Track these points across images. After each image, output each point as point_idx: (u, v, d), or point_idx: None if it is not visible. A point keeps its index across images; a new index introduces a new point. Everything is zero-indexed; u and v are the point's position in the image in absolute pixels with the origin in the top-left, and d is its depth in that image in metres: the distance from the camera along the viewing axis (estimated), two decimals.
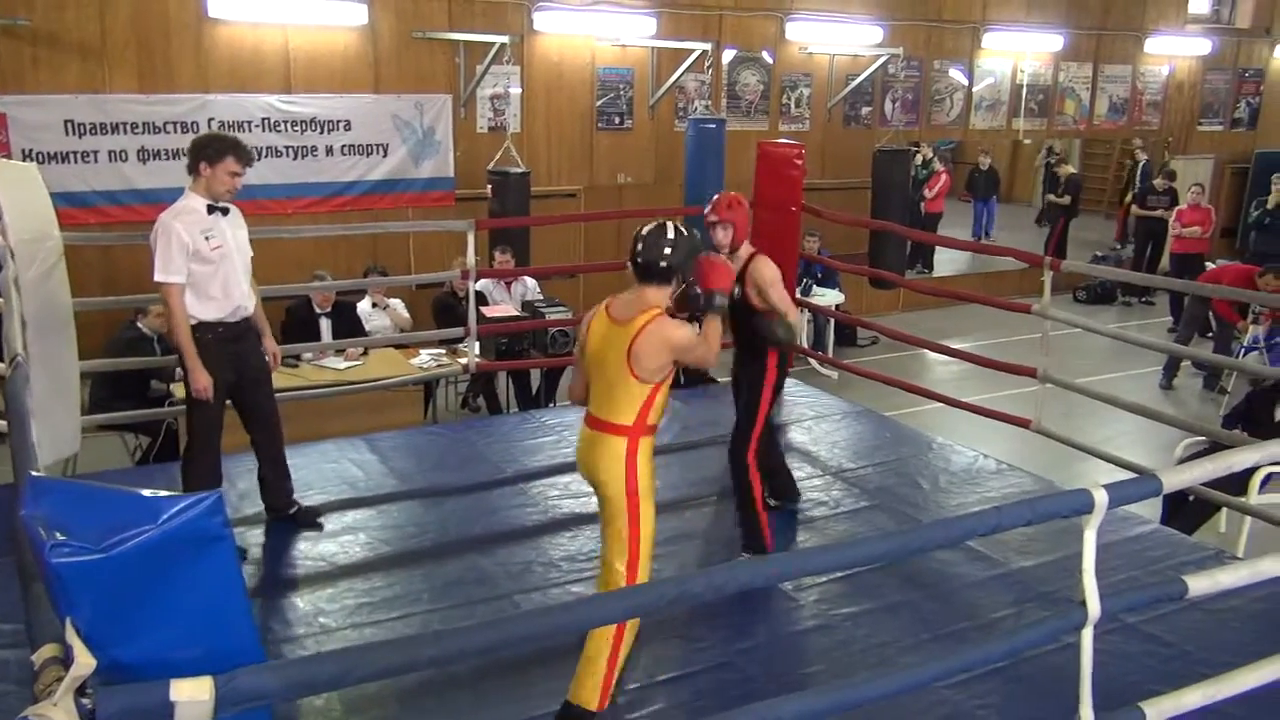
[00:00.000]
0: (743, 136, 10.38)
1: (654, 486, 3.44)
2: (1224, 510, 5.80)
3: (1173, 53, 13.84)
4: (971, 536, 2.28)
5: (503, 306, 7.75)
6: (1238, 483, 5.69)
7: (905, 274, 11.26)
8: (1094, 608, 2.25)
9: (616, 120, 10.41)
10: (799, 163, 6.74)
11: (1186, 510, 5.77)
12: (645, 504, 3.39)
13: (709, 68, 10.60)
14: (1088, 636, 2.29)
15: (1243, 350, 9.49)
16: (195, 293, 4.31)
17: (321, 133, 8.96)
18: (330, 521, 4.86)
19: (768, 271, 4.46)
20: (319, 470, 5.40)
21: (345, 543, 4.68)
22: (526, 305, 7.78)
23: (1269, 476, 5.85)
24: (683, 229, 3.45)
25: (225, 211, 4.40)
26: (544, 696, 3.49)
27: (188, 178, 4.38)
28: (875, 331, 8.10)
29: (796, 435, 6.25)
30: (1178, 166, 13.43)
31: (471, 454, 5.76)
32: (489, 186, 8.91)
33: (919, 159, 13.51)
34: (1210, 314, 9.99)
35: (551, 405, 7.61)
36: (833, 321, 10.09)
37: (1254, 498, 5.67)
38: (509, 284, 8.03)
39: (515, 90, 9.75)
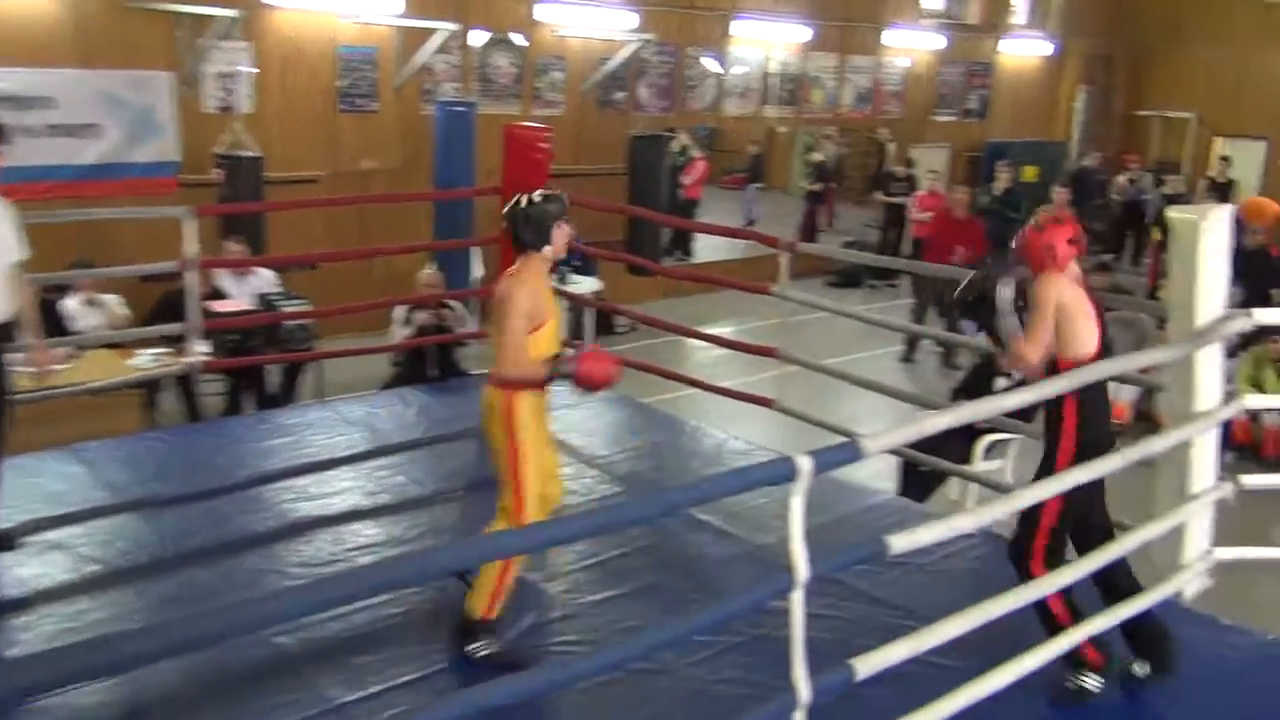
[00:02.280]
0: (495, 120, 10.33)
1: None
2: (953, 478, 6.29)
3: (910, 46, 14.87)
4: (681, 507, 2.38)
5: (235, 301, 7.42)
6: (965, 451, 6.21)
7: (663, 261, 11.56)
8: (801, 571, 2.39)
9: (360, 102, 10.15)
10: (544, 145, 6.78)
11: (919, 480, 6.23)
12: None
13: (459, 49, 10.51)
14: (797, 600, 2.43)
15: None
16: None
17: (20, 111, 8.24)
18: (27, 543, 4.49)
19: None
20: (12, 487, 4.97)
21: (45, 564, 4.33)
22: (262, 299, 7.47)
23: (992, 444, 6.41)
24: (535, 198, 3.70)
25: None
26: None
27: None
28: (632, 319, 8.28)
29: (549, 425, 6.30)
30: (916, 155, 14.45)
31: (198, 461, 5.48)
32: (218, 172, 8.49)
33: (676, 146, 13.89)
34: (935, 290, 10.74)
35: (291, 405, 7.35)
36: (593, 310, 10.23)
37: (978, 465, 6.19)
38: (243, 277, 7.69)
39: (247, 68, 9.33)
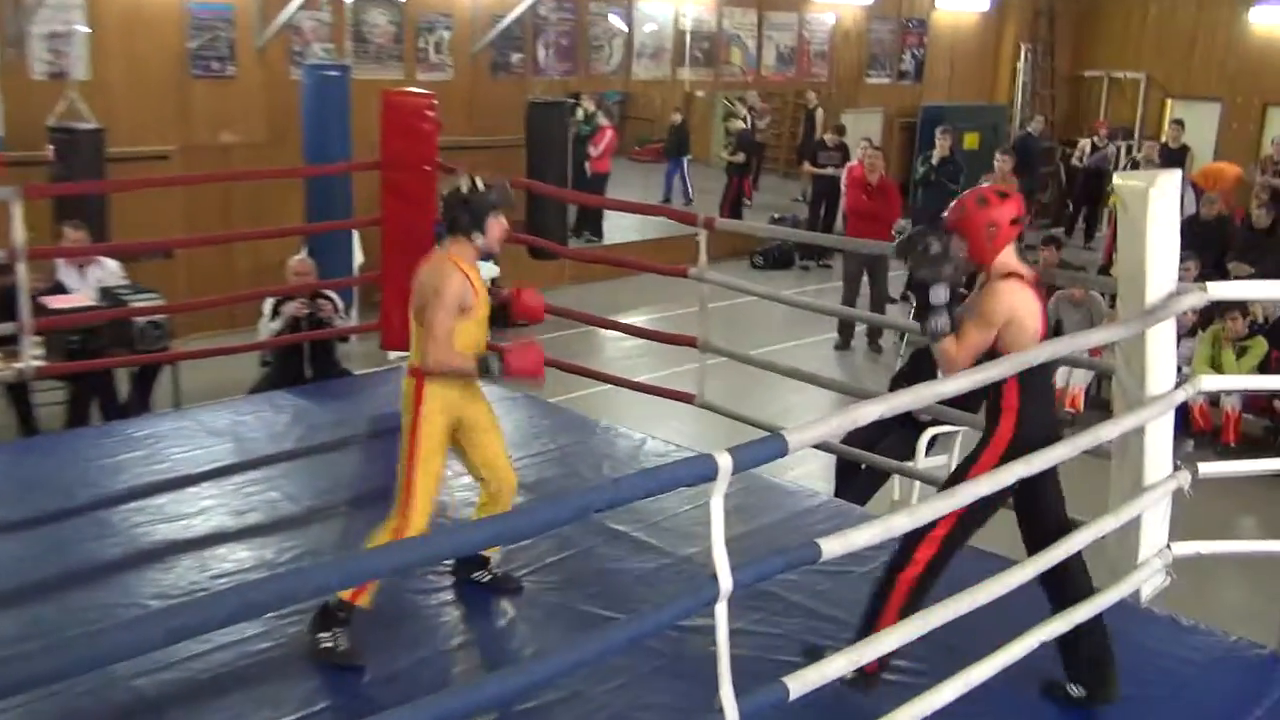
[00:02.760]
0: (373, 86, 10.20)
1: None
2: (895, 477, 6.42)
3: (837, 1, 15.09)
4: (588, 512, 2.39)
5: (75, 296, 7.24)
6: (907, 447, 6.33)
7: (569, 243, 11.56)
8: (725, 581, 2.42)
9: (216, 66, 9.95)
10: (431, 114, 6.74)
11: (859, 481, 6.33)
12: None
13: (330, 5, 10.37)
14: (722, 613, 2.46)
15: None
16: None
17: None
18: None
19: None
20: None
21: None
22: (106, 293, 7.30)
23: (934, 439, 6.55)
24: (479, 183, 3.97)
25: None
26: None
27: None
28: None
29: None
30: (848, 121, 14.66)
31: (35, 480, 5.34)
32: (50, 147, 8.26)
33: (580, 113, 13.91)
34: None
35: (144, 415, 7.19)
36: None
37: (921, 462, 6.33)
38: (83, 268, 7.50)
39: (81, 28, 9.08)
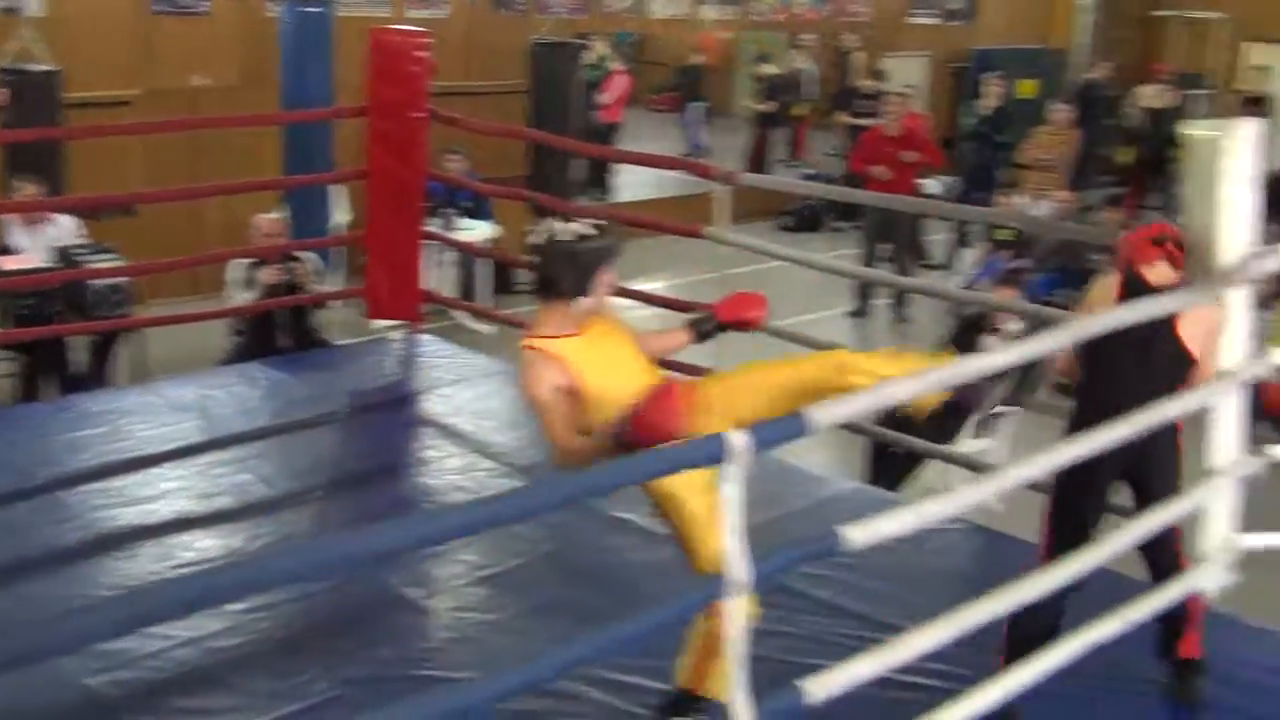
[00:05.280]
0: (358, 24, 10.18)
1: None
2: (929, 462, 6.41)
3: None
4: (586, 497, 2.40)
5: (27, 257, 7.27)
6: (948, 428, 6.32)
7: (576, 200, 11.53)
8: (739, 574, 2.42)
9: (185, 2, 9.97)
10: (422, 55, 6.73)
11: (891, 465, 6.34)
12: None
13: None
14: (735, 607, 2.47)
15: (970, 280, 10.54)
16: None
17: None
18: None
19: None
20: None
21: None
22: (61, 254, 7.33)
23: (983, 420, 6.55)
24: (584, 231, 3.41)
25: None
26: None
27: None
28: None
29: (433, 405, 6.30)
30: (889, 66, 14.58)
31: None
32: (1, 91, 8.29)
33: (591, 56, 13.84)
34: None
35: (104, 388, 7.23)
36: (490, 263, 10.19)
37: (965, 444, 6.32)
38: (36, 226, 7.53)
39: None
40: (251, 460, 5.47)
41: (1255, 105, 13.30)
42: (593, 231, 3.41)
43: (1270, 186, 4.14)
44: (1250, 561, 4.01)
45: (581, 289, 3.37)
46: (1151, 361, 3.67)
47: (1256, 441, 4.06)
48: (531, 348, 3.38)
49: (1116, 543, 3.44)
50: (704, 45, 15.59)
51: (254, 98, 9.83)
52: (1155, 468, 3.73)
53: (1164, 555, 3.75)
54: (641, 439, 3.11)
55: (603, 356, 3.41)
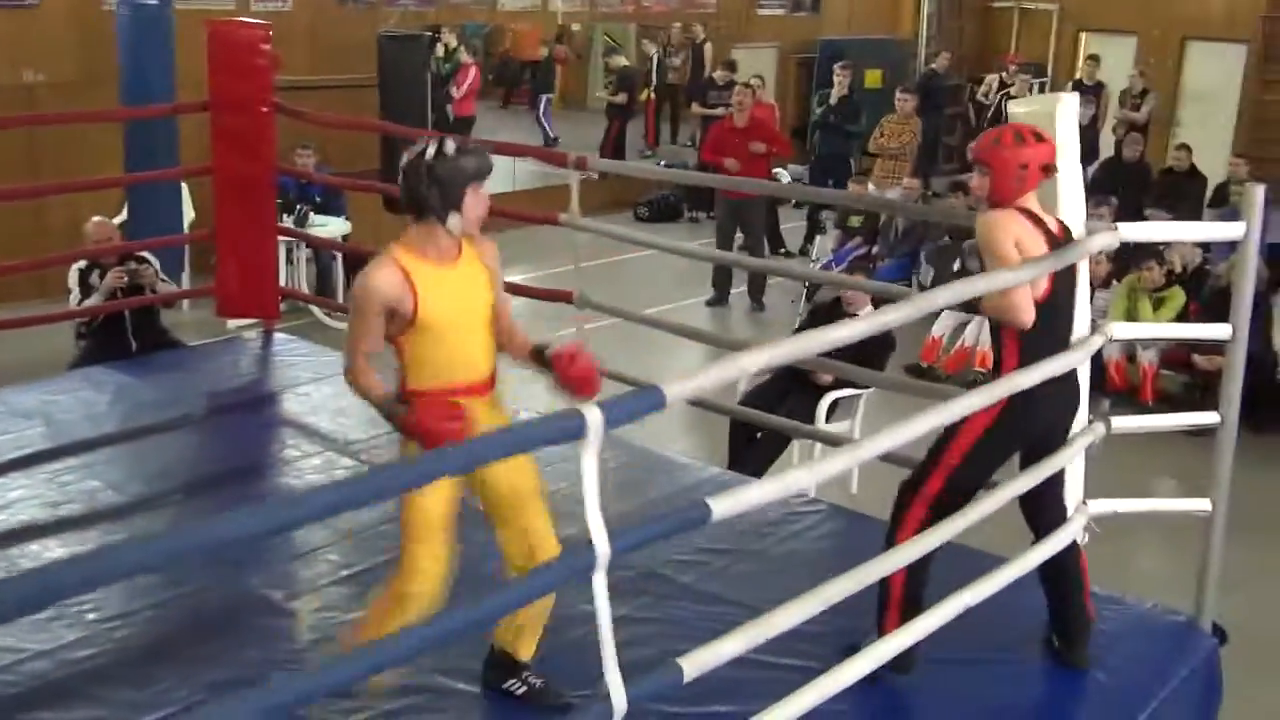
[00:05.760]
0: (199, 18, 9.94)
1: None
2: (796, 444, 6.54)
3: None
4: (431, 479, 2.39)
5: None
6: (806, 413, 6.46)
7: None
8: (602, 547, 2.42)
9: None
10: (265, 49, 6.61)
11: (754, 452, 6.44)
12: None
13: None
14: (600, 584, 2.46)
15: (820, 265, 10.76)
16: None
17: None
18: None
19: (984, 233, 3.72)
20: None
21: None
22: None
23: (836, 403, 6.69)
24: (447, 149, 3.40)
25: None
26: None
27: None
28: None
29: (291, 404, 6.21)
30: (739, 57, 14.75)
31: None
32: None
33: (440, 49, 13.72)
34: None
35: None
36: (340, 258, 10.06)
37: (821, 425, 6.45)
38: None
39: None
40: (99, 466, 5.34)
41: (1091, 94, 13.78)
42: (461, 151, 3.39)
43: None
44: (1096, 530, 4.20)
45: (448, 207, 3.37)
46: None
47: (1098, 413, 4.24)
48: (389, 254, 3.40)
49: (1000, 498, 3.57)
50: (525, 40, 15.60)
51: (93, 94, 9.60)
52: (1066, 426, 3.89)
53: (1054, 513, 3.91)
54: (418, 436, 3.29)
55: (449, 292, 3.41)
